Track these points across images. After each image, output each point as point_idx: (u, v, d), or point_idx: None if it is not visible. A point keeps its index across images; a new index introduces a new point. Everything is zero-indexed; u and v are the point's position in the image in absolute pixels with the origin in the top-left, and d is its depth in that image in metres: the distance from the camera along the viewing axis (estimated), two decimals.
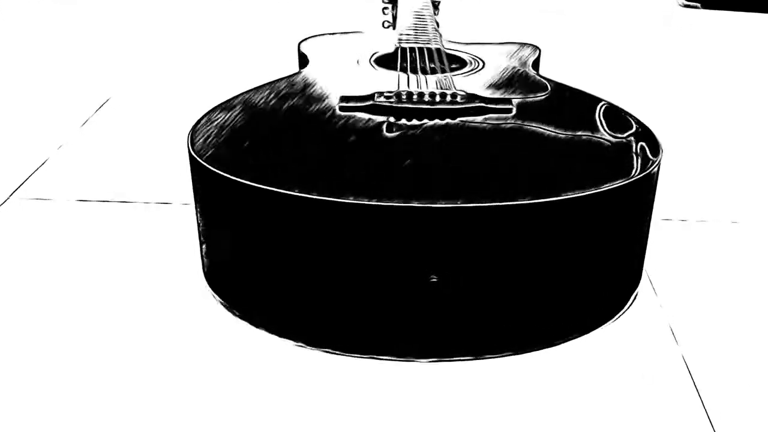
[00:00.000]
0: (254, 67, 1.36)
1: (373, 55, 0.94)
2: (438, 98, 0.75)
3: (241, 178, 0.61)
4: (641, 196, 0.67)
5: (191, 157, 0.67)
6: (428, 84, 0.81)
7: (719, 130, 1.13)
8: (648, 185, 0.66)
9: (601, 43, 1.58)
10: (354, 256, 0.60)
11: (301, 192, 0.59)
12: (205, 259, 0.72)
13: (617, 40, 1.61)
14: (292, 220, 0.60)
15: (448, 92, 0.76)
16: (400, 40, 0.97)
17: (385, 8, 1.31)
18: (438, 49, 0.93)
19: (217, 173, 0.63)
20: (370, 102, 0.74)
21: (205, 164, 0.64)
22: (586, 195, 0.60)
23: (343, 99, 0.76)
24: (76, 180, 0.93)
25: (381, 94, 0.76)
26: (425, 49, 0.92)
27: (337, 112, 0.74)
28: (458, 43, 1.01)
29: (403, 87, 0.79)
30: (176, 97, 1.20)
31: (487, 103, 0.75)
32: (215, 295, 0.71)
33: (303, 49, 0.98)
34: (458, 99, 0.75)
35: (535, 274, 0.61)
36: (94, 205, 0.87)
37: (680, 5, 1.82)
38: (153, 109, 1.15)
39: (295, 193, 0.59)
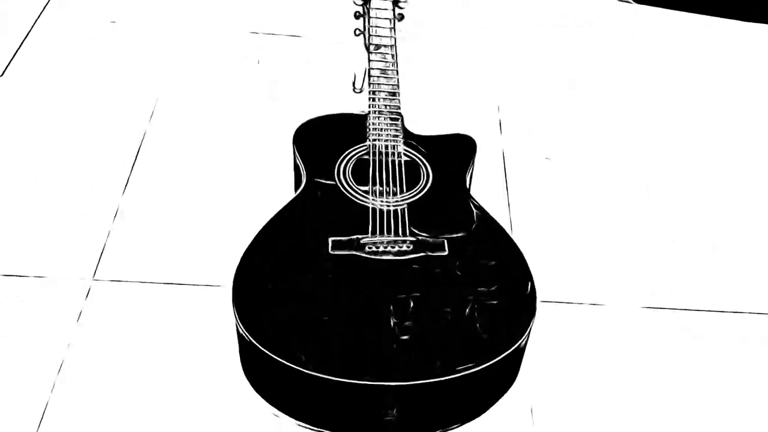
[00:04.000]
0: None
1: (352, 160, 1.26)
2: (396, 247, 1.11)
3: (283, 359, 0.97)
4: (514, 359, 1.06)
5: (240, 327, 1.02)
6: (391, 219, 1.16)
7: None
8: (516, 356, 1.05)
9: (598, 55, 1.80)
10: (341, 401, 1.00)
11: (317, 372, 0.97)
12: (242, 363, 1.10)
13: (618, 51, 1.81)
14: (305, 382, 0.99)
15: (403, 244, 1.12)
16: (369, 131, 1.28)
17: (357, 12, 1.52)
18: (400, 155, 1.26)
19: (265, 352, 0.98)
20: (353, 251, 1.11)
21: (255, 343, 0.99)
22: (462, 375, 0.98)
23: (334, 245, 1.12)
24: (135, 257, 1.27)
25: (359, 241, 1.12)
26: (390, 159, 1.24)
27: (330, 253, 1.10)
28: (411, 136, 1.31)
29: (376, 213, 1.16)
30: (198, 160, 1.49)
31: (428, 251, 1.12)
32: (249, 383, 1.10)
33: (296, 144, 1.29)
34: (410, 248, 1.11)
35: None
36: (153, 287, 1.22)
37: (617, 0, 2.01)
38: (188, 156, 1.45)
39: (311, 372, 0.97)
